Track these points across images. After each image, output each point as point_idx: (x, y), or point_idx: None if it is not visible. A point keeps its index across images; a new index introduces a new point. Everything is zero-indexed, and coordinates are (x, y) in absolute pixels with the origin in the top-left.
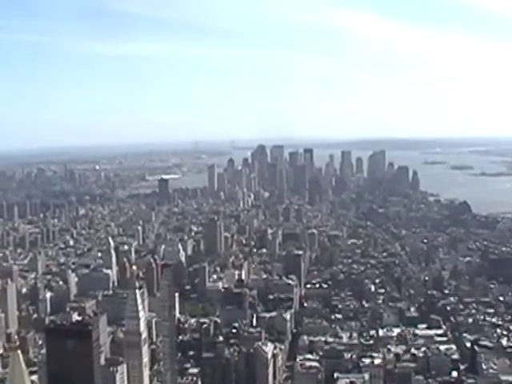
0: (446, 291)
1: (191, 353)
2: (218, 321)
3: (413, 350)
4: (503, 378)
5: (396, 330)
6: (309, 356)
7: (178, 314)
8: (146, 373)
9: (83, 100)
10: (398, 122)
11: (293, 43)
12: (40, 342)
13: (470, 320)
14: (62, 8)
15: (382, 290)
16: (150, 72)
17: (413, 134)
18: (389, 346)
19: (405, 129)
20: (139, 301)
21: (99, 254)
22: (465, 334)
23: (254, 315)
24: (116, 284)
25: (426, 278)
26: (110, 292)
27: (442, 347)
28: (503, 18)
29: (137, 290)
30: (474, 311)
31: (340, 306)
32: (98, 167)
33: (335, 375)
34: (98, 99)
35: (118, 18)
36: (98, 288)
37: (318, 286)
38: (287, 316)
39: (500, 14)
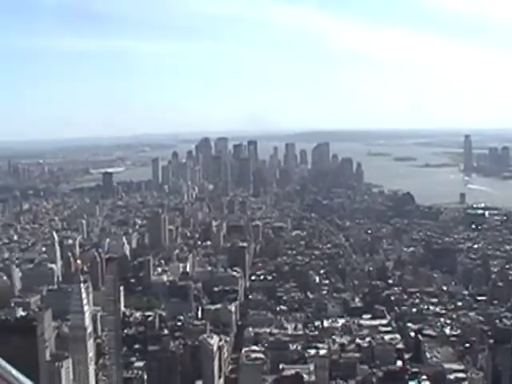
0: (390, 281)
1: (136, 346)
2: (163, 314)
3: (357, 340)
4: (446, 366)
5: (341, 321)
6: (254, 348)
7: (122, 308)
8: (92, 367)
9: (26, 95)
10: (341, 114)
11: (230, 37)
12: None
13: (414, 310)
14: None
15: (327, 281)
16: (94, 68)
17: (356, 125)
18: (334, 337)
19: (348, 120)
20: (84, 295)
21: (43, 249)
22: (409, 324)
23: (199, 308)
24: (61, 279)
25: (370, 269)
26: (55, 287)
27: (387, 337)
28: (435, 11)
29: (81, 285)
30: (417, 301)
31: (285, 298)
32: (41, 161)
33: (281, 366)
34: (42, 94)
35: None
36: (43, 283)
37: (262, 277)
38: (232, 308)
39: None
